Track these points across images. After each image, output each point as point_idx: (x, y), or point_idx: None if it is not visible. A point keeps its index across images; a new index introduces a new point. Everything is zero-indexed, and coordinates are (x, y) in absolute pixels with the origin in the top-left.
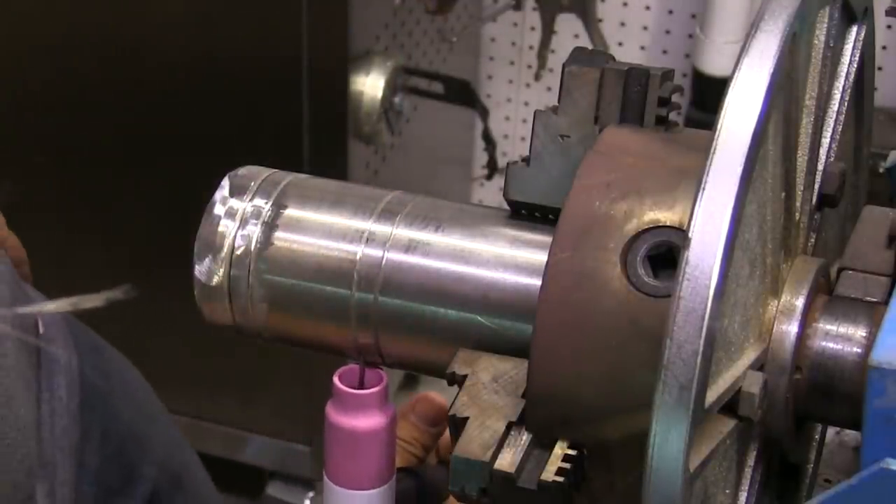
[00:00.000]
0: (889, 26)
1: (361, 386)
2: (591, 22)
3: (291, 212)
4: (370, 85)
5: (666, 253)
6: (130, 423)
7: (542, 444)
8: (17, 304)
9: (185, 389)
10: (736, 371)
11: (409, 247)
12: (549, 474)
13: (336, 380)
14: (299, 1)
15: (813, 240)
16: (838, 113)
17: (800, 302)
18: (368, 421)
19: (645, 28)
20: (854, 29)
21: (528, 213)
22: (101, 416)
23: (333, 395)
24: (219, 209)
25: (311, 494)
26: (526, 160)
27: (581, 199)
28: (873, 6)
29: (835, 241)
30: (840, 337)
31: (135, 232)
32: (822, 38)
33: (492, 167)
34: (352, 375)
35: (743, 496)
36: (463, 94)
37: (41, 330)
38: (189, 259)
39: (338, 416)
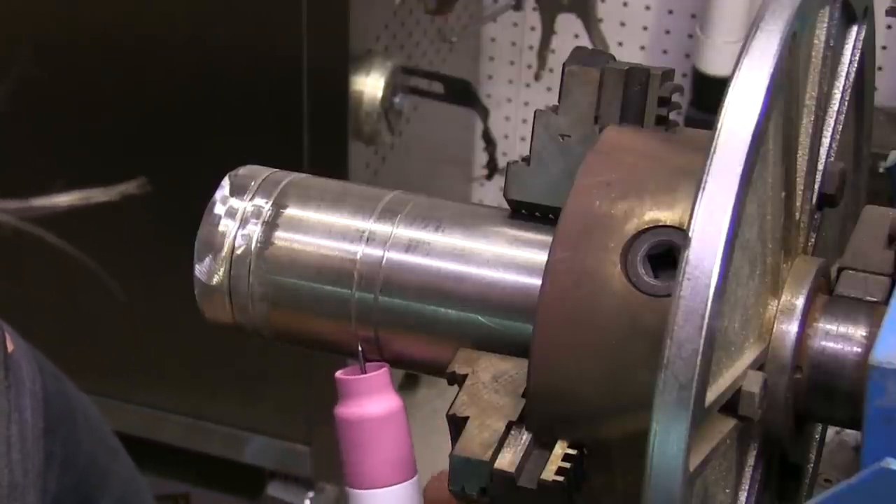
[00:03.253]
0: (889, 26)
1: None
2: (591, 22)
3: (292, 211)
4: (370, 85)
5: (666, 252)
6: (91, 455)
7: (542, 444)
8: None
9: (185, 389)
10: (736, 370)
11: (410, 246)
12: (549, 474)
13: (338, 374)
14: (299, 1)
15: (813, 239)
16: (838, 113)
17: (800, 301)
18: (378, 406)
19: (645, 28)
20: (854, 29)
21: (529, 213)
22: (62, 443)
23: (339, 393)
24: (219, 209)
25: (311, 494)
26: (526, 160)
27: (581, 198)
28: (873, 6)
29: (835, 241)
30: (840, 336)
31: (135, 231)
32: (822, 38)
33: (492, 167)
34: (353, 372)
35: (743, 496)
36: (463, 94)
37: (10, 348)
38: (189, 259)
39: (346, 410)
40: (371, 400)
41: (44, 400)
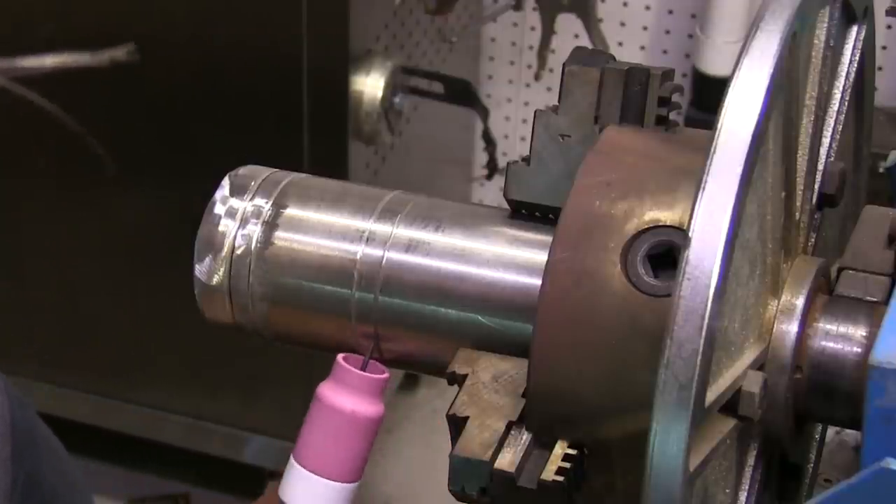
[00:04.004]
0: (889, 26)
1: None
2: (591, 22)
3: (292, 211)
4: (370, 85)
5: (666, 252)
6: (54, 488)
7: (542, 444)
8: None
9: (185, 389)
10: (736, 370)
11: (410, 246)
12: (549, 474)
13: (340, 357)
14: (299, 1)
15: (813, 239)
16: (838, 113)
17: (800, 301)
18: (360, 406)
19: (645, 28)
20: (854, 29)
21: (529, 213)
22: (27, 471)
23: (332, 374)
24: (219, 209)
25: None
26: (526, 160)
27: (581, 198)
28: (873, 6)
29: (835, 241)
30: (840, 336)
31: (135, 231)
32: (822, 37)
33: (492, 167)
34: (355, 362)
35: (743, 496)
36: (463, 94)
37: None
38: (189, 258)
39: (330, 393)
40: (357, 398)
41: (11, 425)
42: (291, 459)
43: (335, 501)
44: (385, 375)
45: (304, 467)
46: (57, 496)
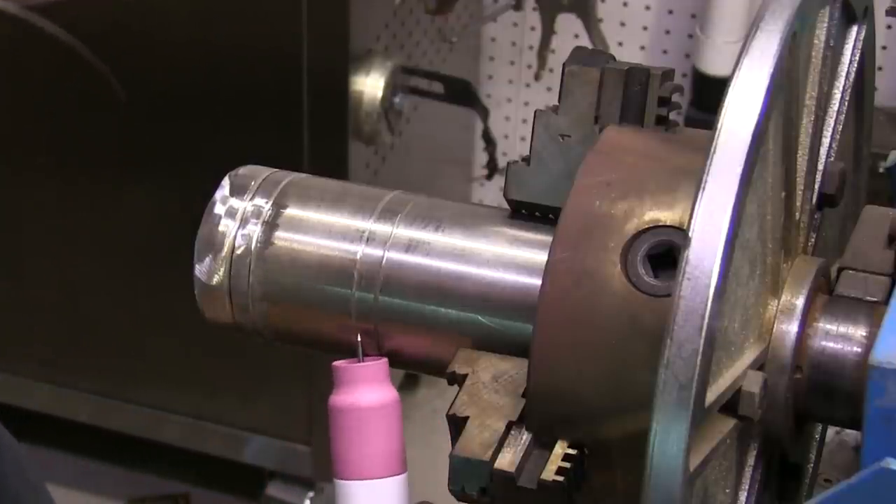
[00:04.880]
0: (889, 26)
1: None
2: (591, 22)
3: (292, 211)
4: (370, 85)
5: (666, 252)
6: (17, 493)
7: (542, 444)
8: None
9: (185, 389)
10: (736, 370)
11: (410, 246)
12: (549, 474)
13: (336, 363)
14: (299, 1)
15: (813, 239)
16: (838, 113)
17: (800, 301)
18: (371, 396)
19: (645, 28)
20: (854, 29)
21: (529, 213)
22: None
23: (335, 381)
24: (219, 209)
25: (311, 494)
26: (526, 160)
27: (581, 198)
28: (873, 6)
29: (835, 241)
30: (840, 336)
31: (135, 232)
32: (822, 37)
33: (492, 167)
34: (351, 361)
35: (743, 496)
36: (463, 94)
37: None
38: (189, 258)
39: (339, 397)
40: (365, 389)
41: None
42: (336, 483)
43: (395, 497)
44: (381, 360)
45: (349, 479)
46: (20, 501)
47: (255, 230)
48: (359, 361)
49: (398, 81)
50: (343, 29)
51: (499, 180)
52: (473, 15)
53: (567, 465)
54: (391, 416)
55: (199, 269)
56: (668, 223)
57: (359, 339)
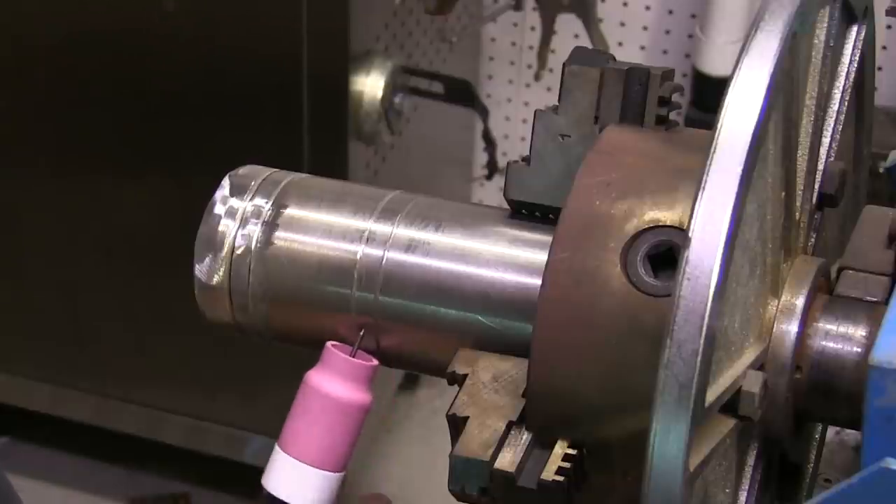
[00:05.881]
0: (889, 26)
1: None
2: (591, 22)
3: (292, 211)
4: (370, 85)
5: (666, 252)
6: None
7: (542, 444)
8: None
9: (185, 389)
10: (736, 370)
11: (410, 246)
12: (549, 473)
13: (330, 343)
14: (299, 1)
15: (813, 239)
16: (838, 113)
17: (800, 301)
18: (348, 393)
19: (645, 28)
20: (854, 29)
21: (529, 213)
22: None
23: (321, 359)
24: (219, 209)
25: None
26: (526, 160)
27: (581, 198)
28: (873, 6)
29: (835, 241)
30: (840, 336)
31: (135, 232)
32: (822, 37)
33: (492, 167)
34: (344, 349)
35: (743, 496)
36: (463, 94)
37: None
38: (189, 258)
39: (319, 378)
40: (340, 381)
41: None
42: (276, 447)
43: (318, 490)
44: (373, 363)
45: (289, 454)
46: None
47: (255, 230)
48: (350, 354)
49: (398, 81)
50: (343, 29)
51: (499, 180)
52: (473, 15)
53: (567, 465)
54: (351, 417)
55: (199, 269)
56: (668, 223)
57: (361, 333)
